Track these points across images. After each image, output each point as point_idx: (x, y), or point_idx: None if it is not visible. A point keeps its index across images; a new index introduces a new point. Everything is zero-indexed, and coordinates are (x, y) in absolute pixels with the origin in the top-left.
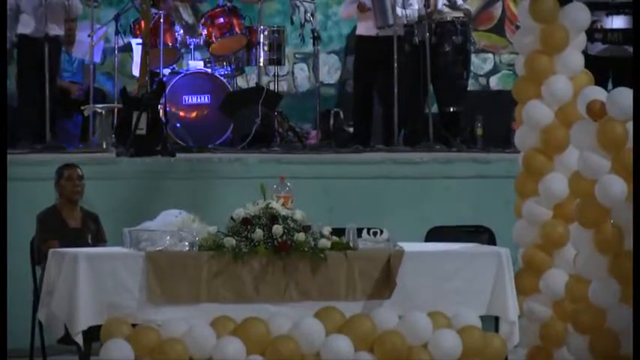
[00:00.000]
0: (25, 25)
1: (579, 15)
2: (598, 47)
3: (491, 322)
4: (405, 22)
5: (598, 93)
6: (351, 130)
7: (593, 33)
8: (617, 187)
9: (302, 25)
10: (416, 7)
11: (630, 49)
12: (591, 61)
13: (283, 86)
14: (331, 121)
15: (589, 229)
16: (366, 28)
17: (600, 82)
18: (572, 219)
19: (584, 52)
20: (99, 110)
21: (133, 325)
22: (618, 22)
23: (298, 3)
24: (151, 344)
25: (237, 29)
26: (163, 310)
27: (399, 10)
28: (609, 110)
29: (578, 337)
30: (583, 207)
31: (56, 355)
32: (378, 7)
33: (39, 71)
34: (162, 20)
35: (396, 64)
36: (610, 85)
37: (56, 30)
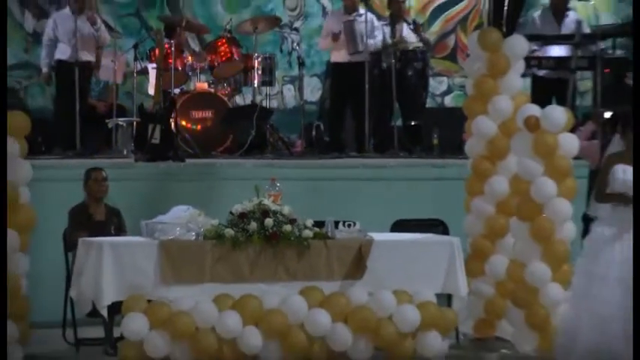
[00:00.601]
0: (62, 53)
1: (519, 45)
2: (544, 72)
3: (445, 299)
4: (372, 50)
5: (534, 110)
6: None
7: (530, 60)
8: (550, 187)
9: (289, 53)
10: (380, 37)
11: (567, 73)
12: (538, 82)
13: (274, 103)
14: (313, 133)
15: (526, 221)
16: (338, 56)
17: (545, 98)
18: (512, 213)
19: (533, 74)
20: (120, 123)
21: (149, 301)
22: (553, 51)
23: (286, 35)
24: (163, 317)
25: (235, 56)
26: (174, 289)
27: (371, 41)
28: (543, 124)
29: (516, 310)
30: (521, 204)
31: (85, 326)
32: (349, 37)
33: (72, 90)
34: (173, 48)
35: (367, 86)
36: (554, 101)
37: (87, 56)
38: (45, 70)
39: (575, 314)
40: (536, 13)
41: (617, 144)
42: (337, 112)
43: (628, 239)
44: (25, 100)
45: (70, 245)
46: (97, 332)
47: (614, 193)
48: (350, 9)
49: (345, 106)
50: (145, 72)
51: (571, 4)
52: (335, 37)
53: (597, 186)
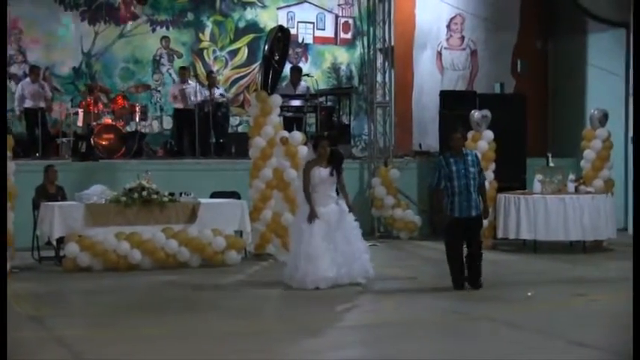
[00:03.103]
0: (27, 103)
1: (276, 100)
2: (290, 114)
3: (240, 233)
4: (199, 102)
5: (285, 133)
6: (177, 149)
7: (283, 108)
8: (292, 173)
9: (155, 104)
10: (207, 93)
11: (301, 115)
12: (287, 119)
13: (147, 130)
14: (168, 146)
15: (281, 192)
16: (177, 104)
17: (291, 127)
18: (274, 188)
19: (283, 115)
20: (65, 141)
21: (79, 236)
22: (294, 103)
23: (154, 93)
24: (87, 244)
25: (126, 105)
26: (93, 229)
27: (194, 98)
28: (290, 141)
29: (276, 239)
30: (278, 182)
31: (44, 250)
32: (183, 98)
33: (35, 123)
34: (92, 101)
35: (196, 121)
36: (295, 129)
37: (42, 104)
38: (17, 113)
39: (294, 255)
40: (284, 83)
41: (310, 154)
42: (180, 135)
43: (331, 211)
44: (11, 129)
45: (36, 206)
46: (50, 253)
47: (314, 185)
48: (183, 79)
49: (183, 132)
50: (76, 113)
51: (303, 79)
52: (175, 98)
53: (303, 181)
